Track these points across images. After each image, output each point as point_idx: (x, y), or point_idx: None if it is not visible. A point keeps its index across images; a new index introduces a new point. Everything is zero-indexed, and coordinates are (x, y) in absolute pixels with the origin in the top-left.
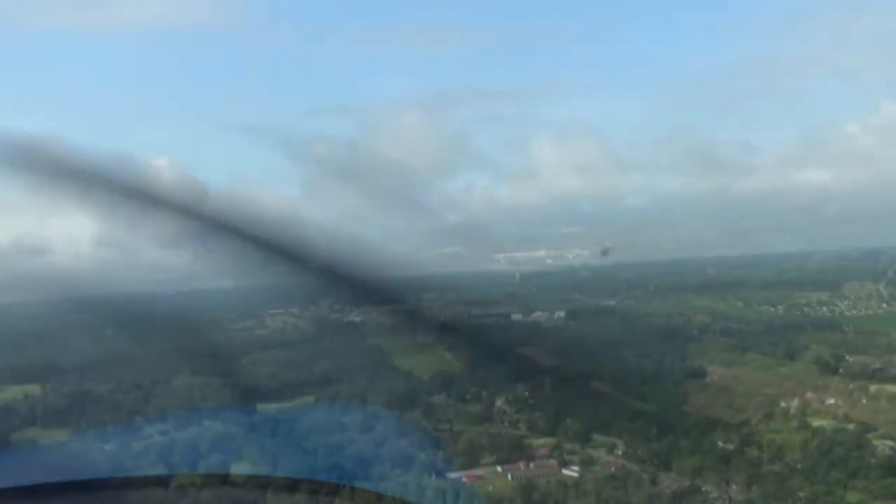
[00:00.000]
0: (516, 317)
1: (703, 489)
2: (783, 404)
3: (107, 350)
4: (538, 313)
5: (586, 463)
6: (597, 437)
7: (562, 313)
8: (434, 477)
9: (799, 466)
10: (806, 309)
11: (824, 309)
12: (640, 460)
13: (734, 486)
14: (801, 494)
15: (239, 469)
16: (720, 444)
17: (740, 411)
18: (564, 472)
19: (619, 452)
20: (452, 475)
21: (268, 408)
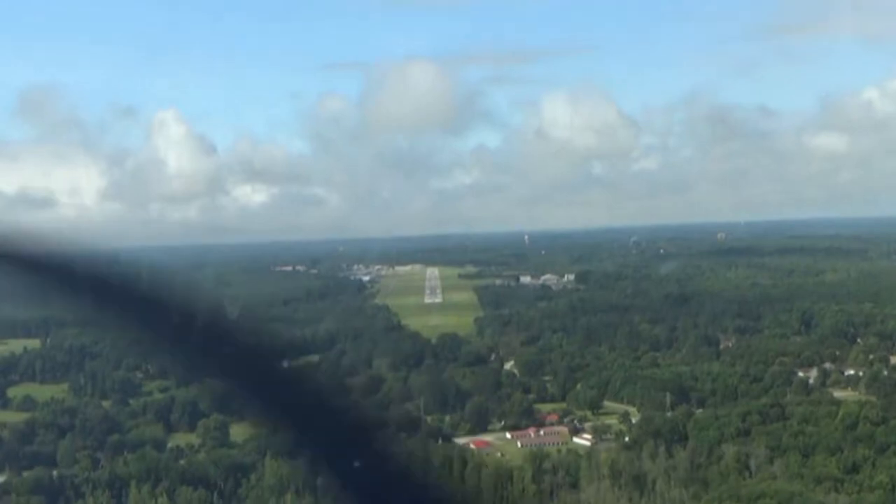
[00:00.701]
0: (525, 279)
1: (722, 462)
2: (801, 374)
3: (99, 312)
4: (548, 276)
5: (599, 431)
6: (608, 404)
7: (571, 276)
8: (440, 442)
9: (823, 442)
10: (820, 277)
11: (839, 277)
12: (656, 430)
13: (754, 461)
14: (825, 471)
15: (239, 431)
16: (739, 415)
17: (757, 381)
18: (576, 440)
19: (633, 421)
20: (460, 441)
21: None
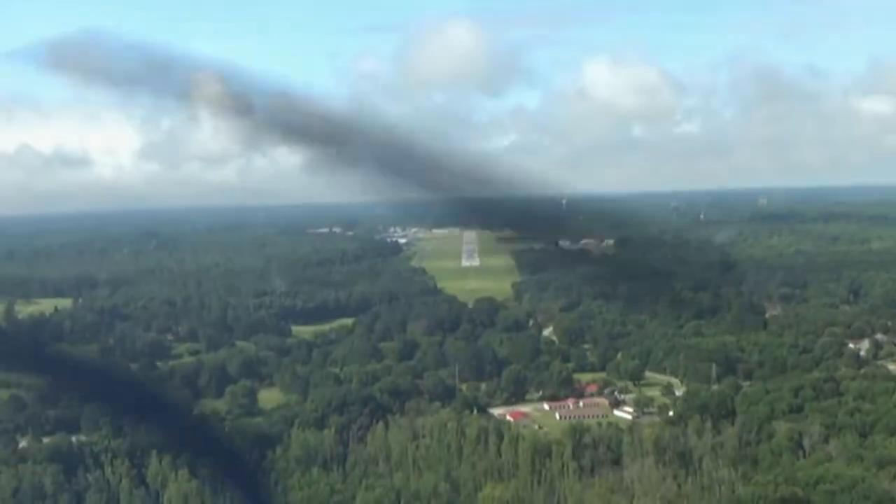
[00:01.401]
0: (564, 243)
1: (773, 441)
2: (852, 346)
3: (143, 266)
4: (586, 240)
5: (641, 404)
6: (650, 375)
7: (610, 241)
8: (475, 412)
9: (882, 420)
10: (866, 245)
11: (886, 245)
12: (702, 404)
13: (808, 440)
14: (886, 453)
15: (267, 397)
16: (791, 390)
17: (806, 352)
18: (616, 412)
19: (677, 394)
20: (496, 411)
21: (303, 331)
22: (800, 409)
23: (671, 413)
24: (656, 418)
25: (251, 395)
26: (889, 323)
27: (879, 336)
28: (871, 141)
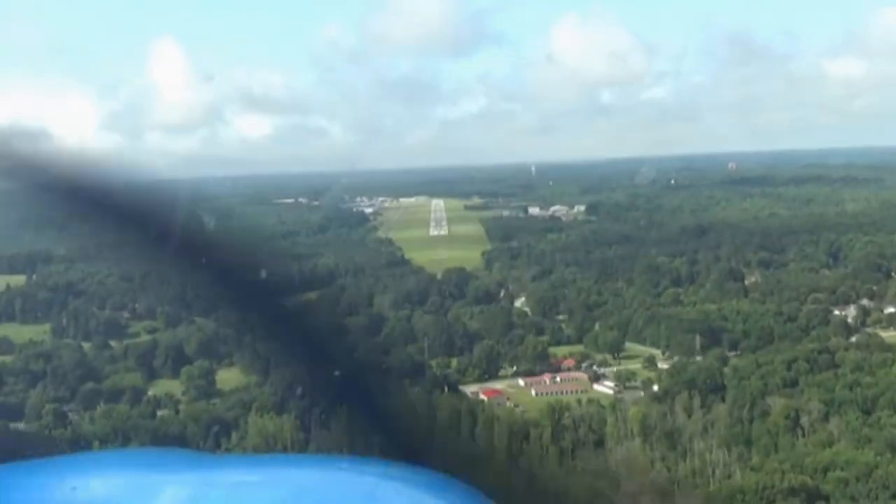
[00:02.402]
0: (534, 210)
1: (769, 419)
2: (837, 312)
3: (102, 241)
4: (557, 207)
5: (622, 378)
6: (630, 347)
7: (581, 207)
8: (446, 391)
9: (886, 395)
10: (840, 206)
11: (860, 206)
12: (690, 379)
13: (806, 417)
14: (894, 433)
15: (226, 377)
16: (783, 362)
17: (791, 320)
18: (597, 387)
19: (660, 366)
20: (468, 389)
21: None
22: (794, 384)
23: (656, 388)
24: (640, 393)
25: (209, 375)
26: (874, 288)
27: (865, 302)
28: (841, 104)
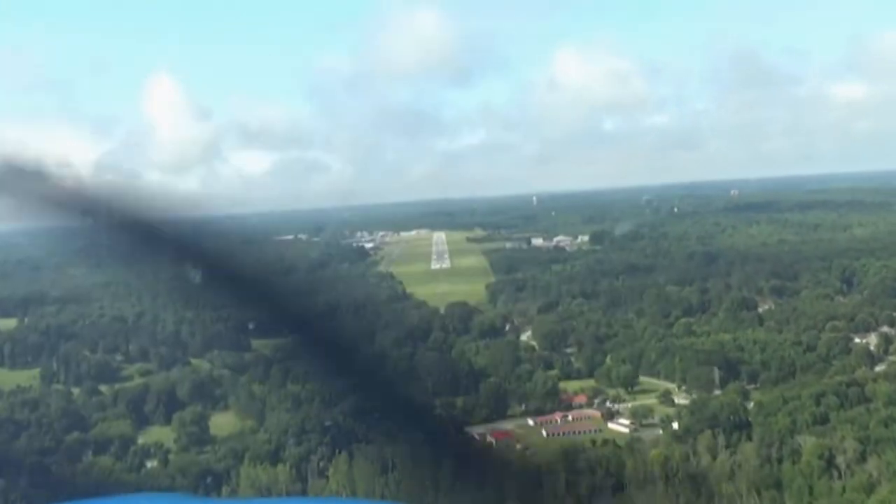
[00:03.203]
0: (537, 241)
1: (802, 459)
2: (858, 340)
3: (100, 280)
4: (560, 237)
5: (638, 415)
6: (644, 381)
7: (585, 237)
8: (452, 434)
9: None
10: (848, 231)
11: (869, 231)
12: (711, 415)
13: (842, 458)
14: None
15: (221, 422)
16: (811, 396)
17: (810, 350)
18: (612, 426)
19: (676, 401)
20: (476, 431)
21: (264, 345)
22: (824, 420)
23: (675, 426)
24: (658, 431)
25: (202, 421)
26: (894, 314)
27: (886, 329)
28: (842, 128)
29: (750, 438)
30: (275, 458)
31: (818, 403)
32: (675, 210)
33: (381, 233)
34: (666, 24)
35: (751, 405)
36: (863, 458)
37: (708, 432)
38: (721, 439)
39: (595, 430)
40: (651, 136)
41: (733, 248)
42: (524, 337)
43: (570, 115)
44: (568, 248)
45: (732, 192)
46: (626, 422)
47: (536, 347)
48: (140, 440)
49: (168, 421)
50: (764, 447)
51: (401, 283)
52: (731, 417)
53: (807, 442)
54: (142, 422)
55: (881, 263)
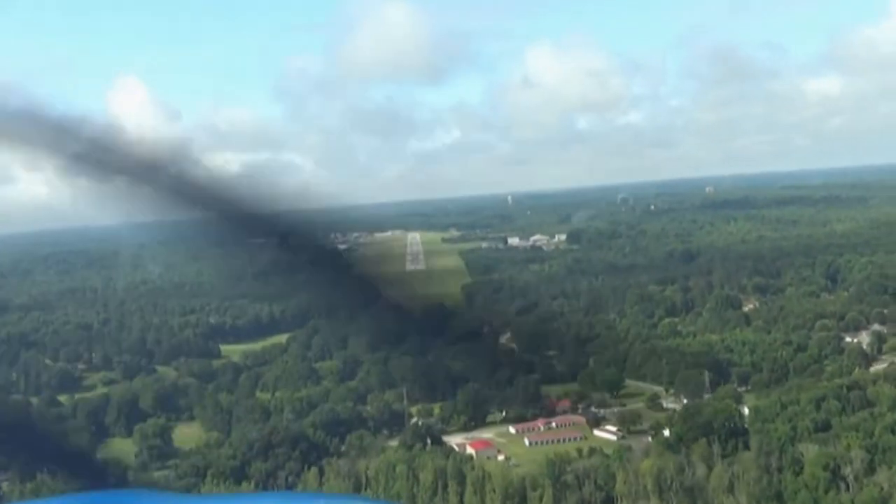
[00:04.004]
0: (513, 240)
1: (805, 470)
2: (849, 339)
3: (67, 286)
4: (537, 236)
5: (626, 421)
6: (630, 384)
7: (562, 236)
8: (429, 444)
9: None
10: (828, 227)
11: (849, 226)
12: (704, 422)
13: (849, 468)
14: None
15: (185, 434)
16: (811, 401)
17: (801, 350)
18: (597, 433)
19: (665, 405)
20: (453, 440)
21: (233, 350)
22: (826, 427)
23: (667, 433)
24: (648, 439)
25: (165, 433)
26: (885, 311)
27: (877, 327)
28: (816, 124)
29: (747, 447)
30: (240, 474)
31: (818, 408)
32: (652, 208)
33: (354, 234)
34: (641, 22)
35: (746, 410)
36: (871, 468)
37: (702, 440)
38: (717, 448)
39: (580, 438)
40: (626, 134)
41: (713, 246)
42: (503, 339)
43: (544, 113)
44: (545, 248)
45: (708, 189)
46: (613, 429)
47: (516, 350)
48: (97, 455)
49: (129, 433)
50: (763, 456)
51: (376, 284)
52: (726, 424)
53: (809, 451)
54: (102, 433)
55: (866, 259)
